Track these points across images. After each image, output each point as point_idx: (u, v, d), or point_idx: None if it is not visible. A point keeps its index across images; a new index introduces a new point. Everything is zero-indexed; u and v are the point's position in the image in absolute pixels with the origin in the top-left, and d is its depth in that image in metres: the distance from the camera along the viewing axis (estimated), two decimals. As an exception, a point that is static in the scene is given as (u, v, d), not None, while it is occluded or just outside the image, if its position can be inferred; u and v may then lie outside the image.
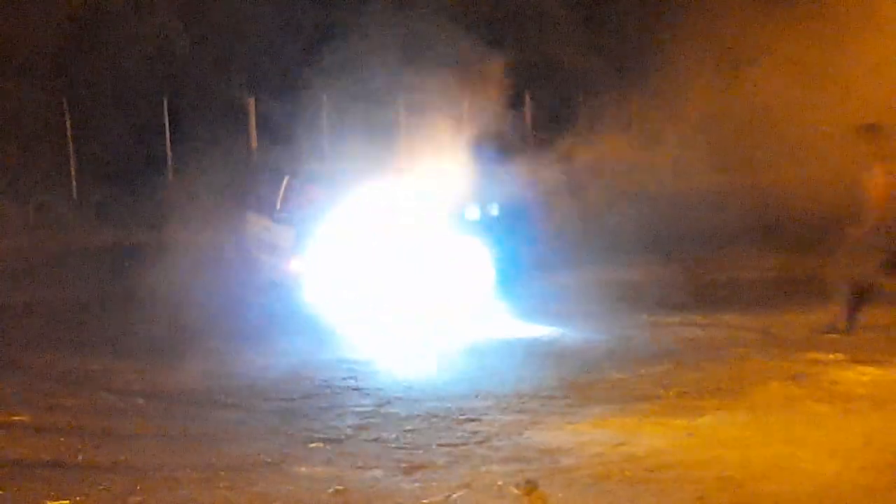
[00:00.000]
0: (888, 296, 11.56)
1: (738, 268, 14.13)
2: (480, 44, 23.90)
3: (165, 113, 21.83)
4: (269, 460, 7.04)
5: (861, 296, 10.12)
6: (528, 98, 25.99)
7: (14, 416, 8.15)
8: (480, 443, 7.29)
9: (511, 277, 13.15)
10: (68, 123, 21.18)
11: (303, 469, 6.85)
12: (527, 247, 14.85)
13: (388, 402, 8.37)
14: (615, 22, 26.77)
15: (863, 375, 8.55)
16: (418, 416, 7.97)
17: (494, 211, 13.46)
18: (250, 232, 13.33)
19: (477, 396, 8.44)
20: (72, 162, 21.18)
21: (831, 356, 9.13)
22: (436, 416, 7.95)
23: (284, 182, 13.11)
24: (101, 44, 22.07)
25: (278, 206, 12.96)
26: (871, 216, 10.13)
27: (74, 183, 21.13)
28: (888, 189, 10.12)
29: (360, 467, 6.83)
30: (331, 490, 6.43)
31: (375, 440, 7.43)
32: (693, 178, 25.64)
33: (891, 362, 8.86)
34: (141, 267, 15.58)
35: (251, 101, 21.67)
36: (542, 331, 10.96)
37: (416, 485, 6.49)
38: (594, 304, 11.99)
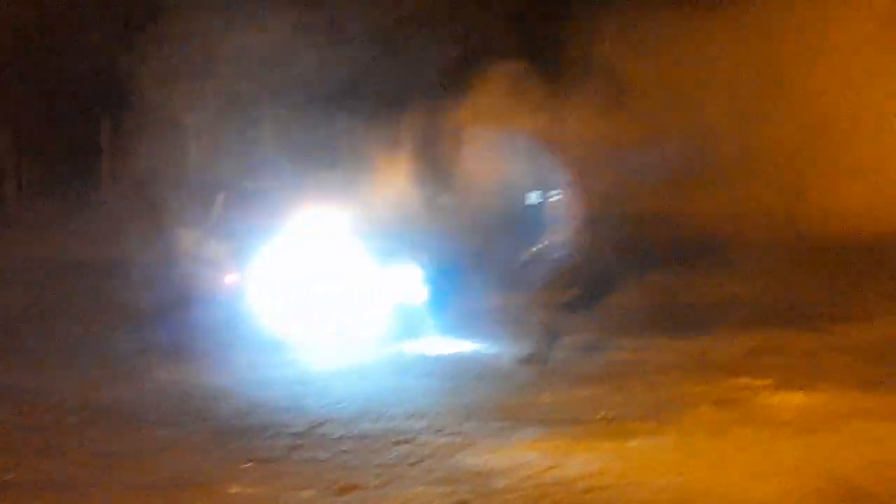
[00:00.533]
0: (817, 322, 11.84)
1: (671, 292, 14.30)
2: (420, 67, 24.06)
3: (104, 129, 21.71)
4: (202, 479, 7.01)
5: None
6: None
7: (-57, 432, 8.09)
8: (414, 464, 7.32)
9: (446, 298, 13.23)
10: (9, 137, 21.00)
11: (235, 489, 6.84)
12: (462, 269, 14.97)
13: (322, 423, 8.38)
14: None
15: (790, 400, 8.71)
16: (352, 436, 8.00)
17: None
18: (185, 247, 13.29)
19: (411, 417, 8.48)
20: (13, 176, 20.98)
21: (759, 381, 9.28)
22: (369, 436, 7.97)
23: (220, 198, 13.12)
24: (41, 59, 21.91)
25: (213, 222, 12.96)
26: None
27: (12, 197, 20.94)
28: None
29: (292, 488, 6.83)
30: (263, 510, 6.45)
31: (309, 460, 7.44)
32: (629, 201, 25.91)
33: (817, 388, 9.03)
34: (76, 282, 15.52)
35: (191, 119, 21.61)
36: (477, 352, 11.04)
37: (349, 505, 6.51)
38: (526, 325, 12.09)
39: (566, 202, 11.92)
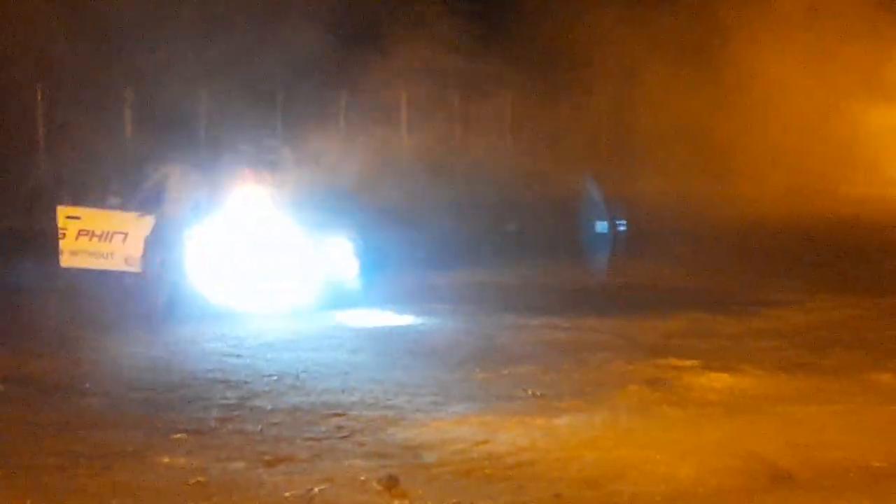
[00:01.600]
0: (744, 306, 12.03)
1: (601, 273, 14.47)
2: (358, 45, 24.03)
3: (39, 100, 21.42)
4: (132, 450, 7.02)
5: None
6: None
7: None
8: (344, 437, 7.37)
9: (380, 272, 13.28)
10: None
11: (165, 459, 6.85)
12: (398, 244, 15.04)
13: (254, 396, 8.41)
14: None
15: (716, 382, 8.85)
16: (283, 409, 8.03)
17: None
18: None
19: (343, 391, 8.53)
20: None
21: (687, 363, 9.43)
22: (301, 409, 8.01)
23: (153, 171, 13.02)
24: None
25: (143, 195, 12.86)
26: None
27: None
28: None
29: (222, 459, 6.86)
30: (192, 481, 6.45)
31: (239, 433, 7.47)
32: (562, 186, 26.11)
33: (742, 370, 9.19)
34: (9, 253, 15.33)
35: (128, 91, 21.41)
36: (410, 327, 11.10)
37: (279, 477, 6.54)
38: (463, 303, 12.19)
39: None
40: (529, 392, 8.53)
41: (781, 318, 11.52)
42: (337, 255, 12.06)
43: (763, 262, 15.41)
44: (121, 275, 12.54)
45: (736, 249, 16.74)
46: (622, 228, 22.36)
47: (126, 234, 12.18)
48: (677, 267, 14.97)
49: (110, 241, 12.21)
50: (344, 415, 7.89)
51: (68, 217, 12.26)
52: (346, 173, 18.72)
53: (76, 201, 12.67)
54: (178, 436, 7.36)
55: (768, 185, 24.90)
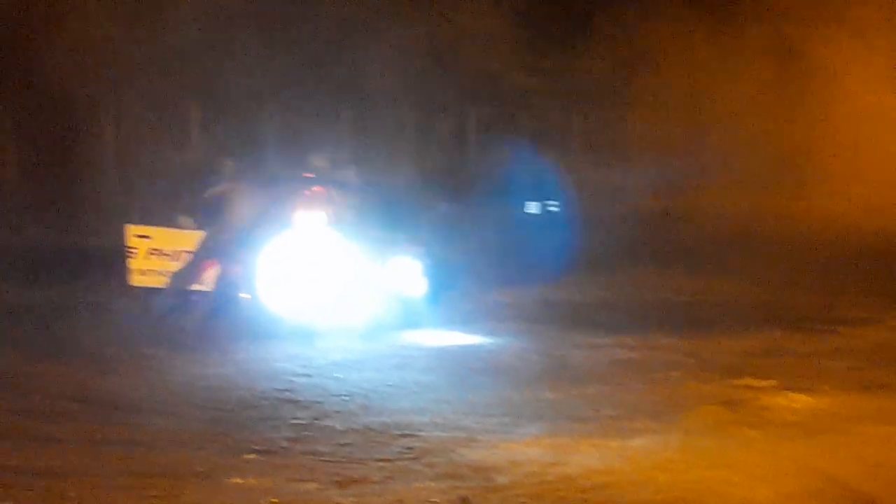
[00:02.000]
0: (821, 324, 11.81)
1: (674, 291, 14.29)
2: (427, 66, 24.07)
3: (109, 114, 21.66)
4: (202, 470, 6.98)
5: None
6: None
7: (-56, 417, 8.06)
8: (416, 458, 7.29)
9: (448, 290, 13.22)
10: (8, 124, 20.94)
11: (236, 480, 6.80)
12: (466, 263, 14.98)
13: (325, 416, 8.35)
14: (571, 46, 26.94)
15: (794, 402, 8.68)
16: (354, 430, 7.97)
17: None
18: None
19: (413, 411, 8.45)
20: (11, 163, 20.92)
21: (764, 382, 9.26)
22: (372, 430, 7.95)
23: (223, 188, 13.07)
24: (42, 45, 21.85)
25: (214, 212, 12.90)
26: None
27: (13, 184, 20.87)
28: None
29: (293, 480, 6.80)
30: (263, 502, 6.40)
31: (311, 453, 7.41)
32: (632, 201, 25.97)
33: (821, 390, 9.00)
34: (78, 270, 15.48)
35: (194, 108, 21.59)
36: (479, 347, 11.02)
37: (350, 499, 6.47)
38: (531, 321, 12.09)
39: None
40: (601, 413, 8.40)
41: (860, 336, 11.30)
42: (405, 273, 12.00)
43: (841, 278, 15.14)
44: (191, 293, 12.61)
45: (813, 265, 16.46)
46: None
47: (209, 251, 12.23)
48: (752, 283, 14.76)
49: (180, 259, 12.26)
50: (414, 435, 7.81)
51: (138, 236, 12.33)
52: (414, 189, 18.75)
53: (147, 220, 12.73)
54: (249, 456, 7.32)
55: (849, 200, 24.54)
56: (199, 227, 12.60)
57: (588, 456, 7.29)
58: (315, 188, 12.94)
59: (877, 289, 14.19)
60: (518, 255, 16.47)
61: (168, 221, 12.83)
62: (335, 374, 9.71)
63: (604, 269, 15.97)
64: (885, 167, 26.03)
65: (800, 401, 8.71)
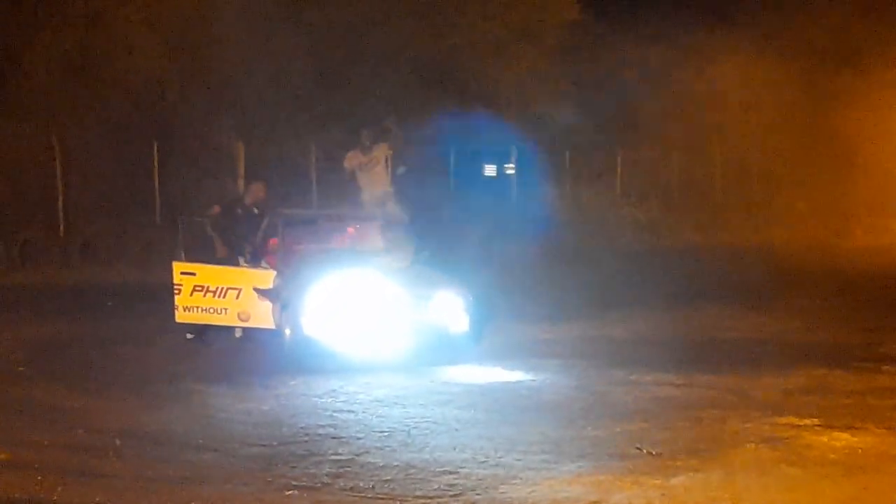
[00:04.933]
0: (865, 362, 11.71)
1: (715, 327, 14.22)
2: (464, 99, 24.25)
3: (155, 153, 21.93)
4: (246, 506, 7.05)
5: None
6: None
7: (-11, 452, 8.16)
8: (457, 496, 7.30)
9: (490, 326, 13.25)
10: (57, 161, 21.23)
11: (278, 516, 6.86)
12: (506, 298, 15.02)
13: (366, 452, 8.39)
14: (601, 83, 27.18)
15: (836, 441, 8.61)
16: (395, 466, 7.99)
17: None
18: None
19: (454, 448, 8.47)
20: (60, 199, 21.20)
21: (806, 420, 9.20)
22: (413, 466, 7.97)
23: (265, 224, 13.23)
24: (93, 83, 22.19)
25: (259, 249, 13.05)
26: None
27: (62, 220, 21.14)
28: None
29: (335, 516, 6.85)
30: (305, 537, 6.45)
31: (352, 489, 7.45)
32: (673, 237, 25.95)
33: (865, 428, 8.93)
34: (124, 306, 15.66)
35: (240, 146, 21.81)
36: (520, 383, 11.01)
37: (391, 535, 6.51)
38: (572, 357, 12.08)
39: None
40: (644, 450, 8.37)
41: (903, 374, 11.20)
42: (447, 309, 12.03)
43: (886, 315, 14.99)
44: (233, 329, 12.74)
45: (857, 302, 16.35)
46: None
47: (240, 290, 12.35)
48: (795, 320, 14.67)
49: (224, 296, 12.39)
50: (455, 472, 7.83)
51: (183, 273, 12.46)
52: (457, 225, 18.81)
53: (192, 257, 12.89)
54: (291, 492, 7.37)
55: (891, 236, 24.42)
56: (251, 264, 12.76)
57: (630, 494, 7.29)
58: (359, 224, 13.06)
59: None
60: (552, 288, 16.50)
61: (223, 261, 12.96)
62: (376, 411, 9.74)
63: (645, 305, 15.93)
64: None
65: (843, 440, 8.65)
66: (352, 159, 14.48)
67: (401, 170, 14.05)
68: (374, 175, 14.24)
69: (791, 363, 11.66)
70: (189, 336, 12.83)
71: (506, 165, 26.09)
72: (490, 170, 26.81)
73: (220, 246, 13.14)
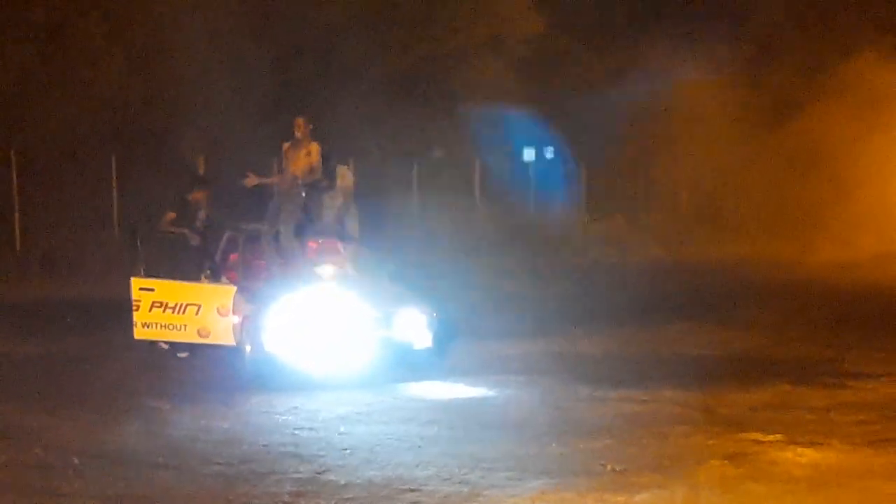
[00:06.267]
0: (830, 378, 11.72)
1: (681, 343, 14.21)
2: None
3: (113, 167, 21.75)
4: (205, 526, 6.95)
5: None
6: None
7: (-55, 470, 8.03)
8: (419, 513, 7.25)
9: (453, 342, 13.19)
10: (14, 174, 21.01)
11: (239, 535, 6.76)
12: (471, 314, 14.96)
13: (328, 469, 8.30)
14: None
15: (801, 457, 8.61)
16: (358, 483, 7.92)
17: None
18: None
19: (417, 465, 8.40)
20: (16, 214, 20.98)
21: (770, 437, 9.19)
22: (375, 484, 7.90)
23: (225, 238, 13.11)
24: (52, 96, 22.01)
25: (217, 263, 12.94)
26: None
27: (19, 235, 20.93)
28: None
29: (296, 535, 6.76)
30: (266, 558, 6.36)
31: (314, 508, 7.38)
32: (639, 253, 26.01)
33: (829, 444, 8.94)
34: (83, 322, 15.48)
35: (202, 159, 21.67)
36: (484, 399, 10.96)
37: (353, 555, 6.42)
38: (537, 374, 12.03)
39: None
40: (608, 467, 8.34)
41: (870, 390, 11.20)
42: (411, 325, 11.96)
43: (850, 330, 15.03)
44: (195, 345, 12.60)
45: (822, 317, 16.39)
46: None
47: (200, 306, 12.22)
48: (760, 336, 14.69)
49: (184, 312, 12.25)
50: (419, 490, 7.76)
51: (141, 289, 12.32)
52: (420, 240, 18.75)
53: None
54: (252, 511, 7.28)
55: (856, 250, 24.55)
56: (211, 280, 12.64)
57: (593, 512, 7.25)
58: (321, 240, 12.96)
59: (887, 343, 14.09)
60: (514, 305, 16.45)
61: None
62: (338, 428, 9.66)
63: (610, 321, 15.92)
64: (892, 216, 26.12)
65: (807, 455, 8.65)
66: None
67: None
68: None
69: (756, 379, 11.67)
70: (182, 354, 12.67)
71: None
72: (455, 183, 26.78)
73: (192, 235, 12.98)
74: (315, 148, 12.60)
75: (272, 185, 12.99)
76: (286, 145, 12.71)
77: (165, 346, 12.76)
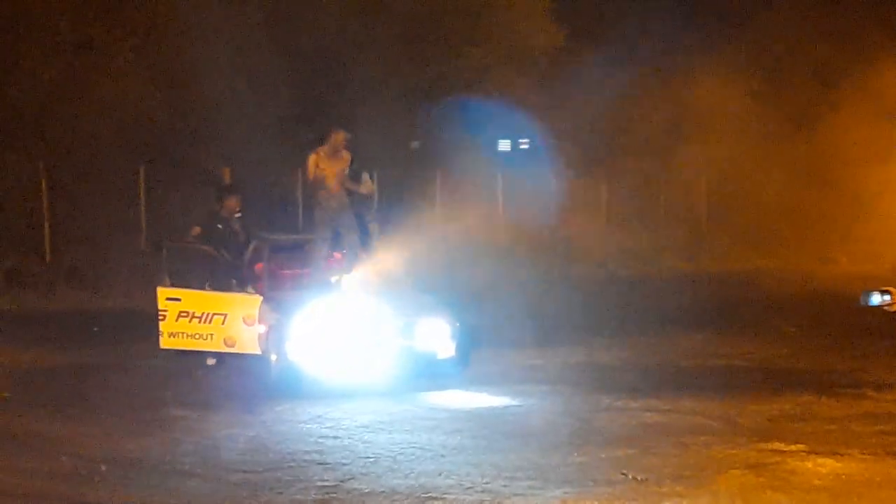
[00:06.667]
0: (850, 388, 11.74)
1: (701, 354, 14.23)
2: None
3: (141, 179, 21.92)
4: (231, 532, 7.03)
5: None
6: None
7: (-27, 478, 8.13)
8: (442, 522, 7.32)
9: (476, 352, 13.24)
10: (44, 187, 21.20)
11: (264, 542, 6.84)
12: (494, 324, 15.01)
13: (352, 478, 8.38)
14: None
15: (821, 467, 8.63)
16: (381, 492, 7.99)
17: None
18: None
19: (440, 474, 8.47)
20: (46, 226, 21.15)
21: (792, 446, 9.22)
22: (398, 493, 7.96)
23: (251, 248, 13.20)
24: (80, 110, 22.18)
25: (245, 274, 13.03)
26: None
27: (48, 247, 21.09)
28: None
29: (321, 542, 6.83)
30: (291, 564, 6.44)
31: (338, 515, 7.45)
32: (659, 263, 25.99)
33: (849, 455, 8.95)
34: (110, 332, 15.62)
35: (226, 171, 21.81)
36: (506, 409, 11.01)
37: (377, 562, 6.50)
38: (559, 384, 12.08)
39: None
40: (629, 476, 8.38)
41: (890, 401, 11.20)
42: (434, 334, 12.04)
43: (871, 341, 14.99)
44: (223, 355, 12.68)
45: (842, 328, 16.36)
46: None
47: (226, 315, 12.33)
48: (780, 346, 14.69)
49: (210, 322, 12.36)
50: (441, 498, 7.83)
51: (168, 298, 12.44)
52: (444, 251, 18.82)
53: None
54: (277, 518, 7.36)
55: (877, 262, 24.47)
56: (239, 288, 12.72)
57: (615, 520, 7.30)
58: (345, 249, 13.05)
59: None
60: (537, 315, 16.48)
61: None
62: (362, 436, 9.73)
63: (631, 331, 15.95)
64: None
65: (827, 466, 8.67)
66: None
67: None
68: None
69: (776, 389, 11.69)
70: (210, 361, 12.78)
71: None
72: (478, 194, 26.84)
73: (215, 249, 13.08)
74: (348, 158, 12.79)
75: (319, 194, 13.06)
76: (319, 156, 12.77)
77: (212, 362, 12.82)
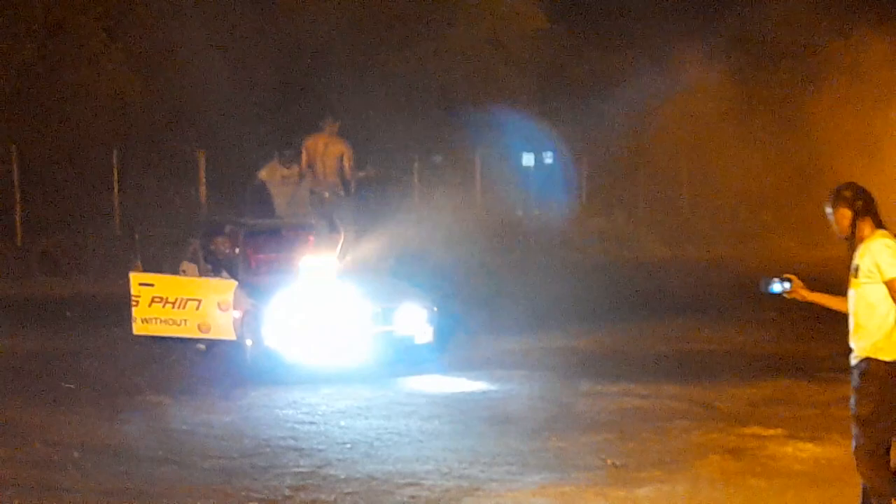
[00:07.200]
0: (829, 373, 11.71)
1: (682, 339, 14.21)
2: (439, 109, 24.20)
3: (115, 162, 21.74)
4: (206, 519, 6.95)
5: None
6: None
7: (-55, 466, 8.02)
8: (419, 508, 7.24)
9: (454, 337, 13.18)
10: (15, 171, 20.99)
11: (239, 529, 6.76)
12: (472, 309, 14.95)
13: (328, 464, 8.30)
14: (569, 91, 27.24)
15: (801, 452, 8.60)
16: (358, 478, 7.91)
17: None
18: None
19: (417, 460, 8.40)
20: (17, 210, 20.96)
21: (771, 431, 9.19)
22: (375, 479, 7.89)
23: (226, 233, 13.09)
24: (52, 93, 21.99)
25: (220, 258, 12.92)
26: None
27: (19, 231, 20.91)
28: None
29: (296, 529, 6.75)
30: (266, 551, 6.36)
31: (313, 502, 7.37)
32: (639, 249, 25.99)
33: (829, 439, 8.92)
34: (83, 317, 15.48)
35: (201, 154, 21.65)
36: (484, 394, 10.95)
37: (353, 549, 6.42)
38: (538, 369, 12.02)
39: None
40: (608, 461, 8.33)
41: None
42: (411, 320, 11.96)
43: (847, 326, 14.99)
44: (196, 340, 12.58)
45: (822, 312, 16.31)
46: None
47: (200, 301, 12.21)
48: (761, 331, 14.67)
49: (184, 307, 12.25)
50: (418, 484, 7.76)
51: (141, 284, 12.32)
52: (420, 237, 18.75)
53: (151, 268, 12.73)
54: (252, 505, 7.28)
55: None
56: (203, 275, 12.62)
57: (594, 505, 7.24)
58: (318, 234, 12.95)
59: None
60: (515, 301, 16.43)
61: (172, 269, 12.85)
62: (338, 422, 9.66)
63: (611, 317, 15.92)
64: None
65: (807, 450, 8.64)
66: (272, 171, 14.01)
67: (361, 173, 13.77)
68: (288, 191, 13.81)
69: (756, 374, 11.67)
70: (200, 347, 12.65)
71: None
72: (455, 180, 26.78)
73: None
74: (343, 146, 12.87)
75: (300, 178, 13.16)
76: (309, 141, 12.84)
77: (203, 347, 12.70)
